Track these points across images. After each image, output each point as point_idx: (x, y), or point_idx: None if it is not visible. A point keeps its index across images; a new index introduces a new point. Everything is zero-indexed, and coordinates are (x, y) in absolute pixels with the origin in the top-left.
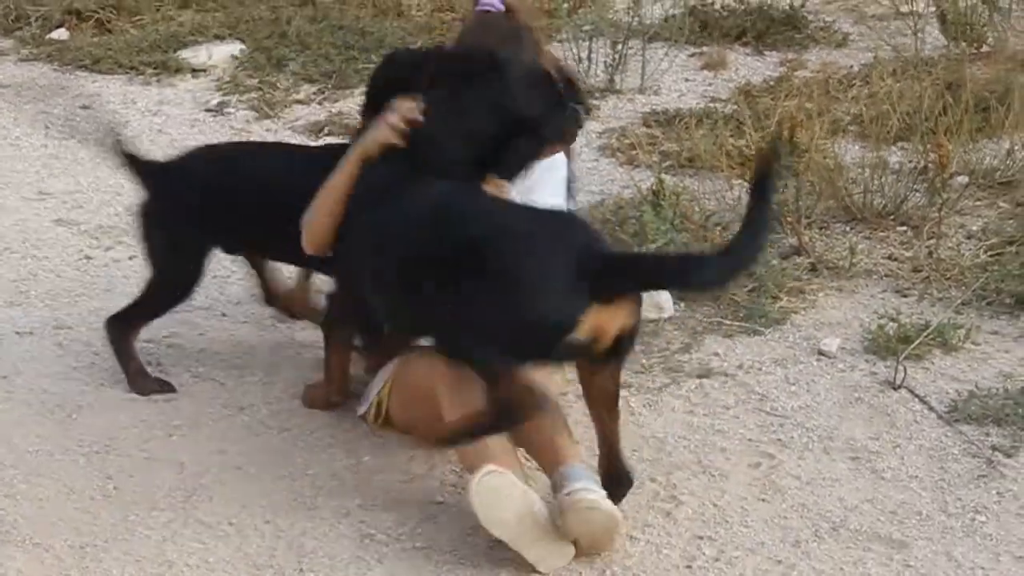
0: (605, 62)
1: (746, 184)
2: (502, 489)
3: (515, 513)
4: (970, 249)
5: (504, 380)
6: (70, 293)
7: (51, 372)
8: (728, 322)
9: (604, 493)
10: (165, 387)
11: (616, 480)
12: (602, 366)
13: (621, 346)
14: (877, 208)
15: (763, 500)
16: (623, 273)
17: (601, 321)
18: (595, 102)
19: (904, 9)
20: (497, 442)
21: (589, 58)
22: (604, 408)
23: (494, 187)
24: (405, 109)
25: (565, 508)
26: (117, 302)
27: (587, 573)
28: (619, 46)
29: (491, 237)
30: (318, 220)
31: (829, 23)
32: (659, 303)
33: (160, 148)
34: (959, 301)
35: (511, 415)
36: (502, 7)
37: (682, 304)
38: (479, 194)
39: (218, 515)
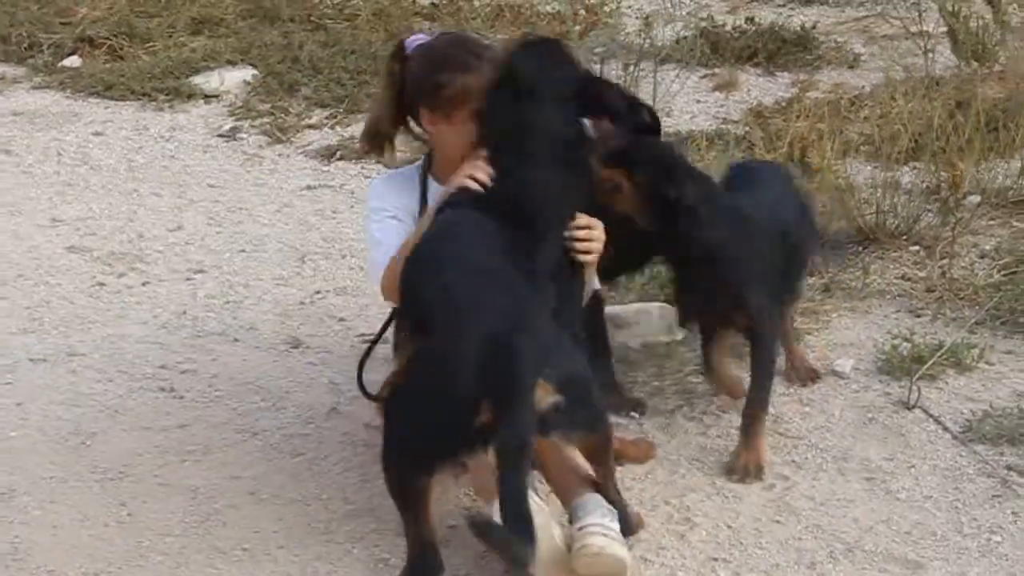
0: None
1: None
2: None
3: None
4: (983, 269)
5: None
6: (83, 320)
7: (64, 399)
8: (741, 344)
9: (616, 528)
10: None
11: None
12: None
13: (552, 423)
14: (890, 228)
15: (777, 522)
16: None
17: None
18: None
19: (914, 29)
20: None
21: None
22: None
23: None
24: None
25: (574, 548)
26: (130, 329)
27: None
28: (631, 68)
29: (432, 303)
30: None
31: (840, 44)
32: (671, 325)
33: (173, 174)
34: (973, 321)
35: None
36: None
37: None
38: (454, 242)
39: (232, 540)
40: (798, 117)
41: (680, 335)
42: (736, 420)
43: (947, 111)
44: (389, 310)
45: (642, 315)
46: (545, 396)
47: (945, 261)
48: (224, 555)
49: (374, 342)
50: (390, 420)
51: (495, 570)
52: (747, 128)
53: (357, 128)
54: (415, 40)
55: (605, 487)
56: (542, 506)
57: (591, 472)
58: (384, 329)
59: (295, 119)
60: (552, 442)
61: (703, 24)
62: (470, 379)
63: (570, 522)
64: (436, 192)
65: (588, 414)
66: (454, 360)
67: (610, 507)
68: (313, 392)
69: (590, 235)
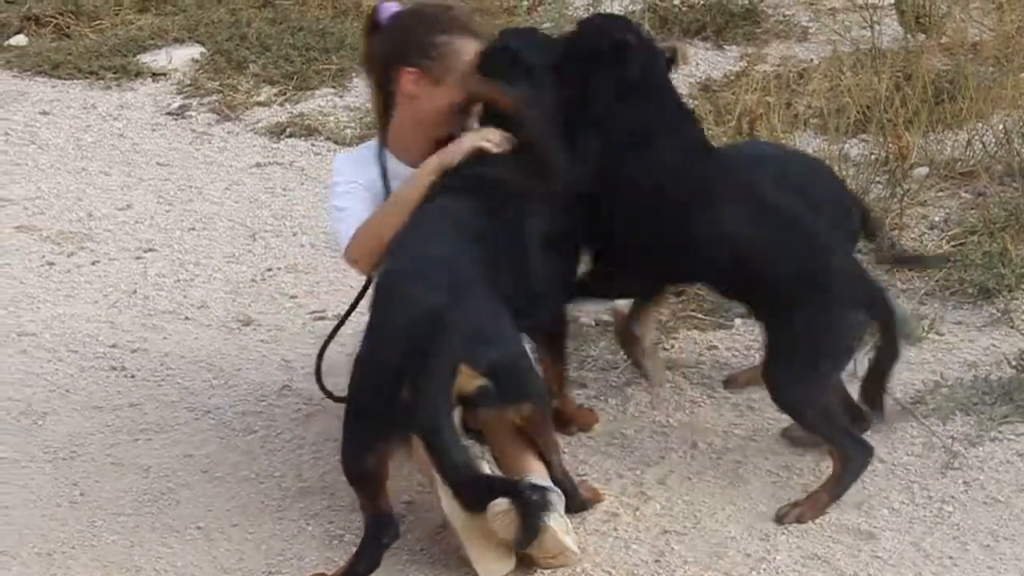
0: None
1: None
2: None
3: None
4: (933, 240)
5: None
6: (33, 299)
7: (14, 379)
8: (695, 316)
9: (559, 504)
10: None
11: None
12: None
13: (469, 402)
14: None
15: (732, 494)
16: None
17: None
18: None
19: (861, 2)
20: None
21: None
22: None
23: None
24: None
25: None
26: (80, 308)
27: (557, 570)
28: None
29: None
30: (381, 231)
31: (788, 17)
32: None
33: (121, 153)
34: (923, 292)
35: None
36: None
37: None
38: (411, 230)
39: (185, 519)
40: (747, 91)
41: None
42: (689, 393)
43: (894, 83)
44: (347, 299)
45: None
46: (471, 381)
47: (895, 233)
48: (178, 534)
49: (330, 336)
50: (347, 402)
51: (449, 544)
52: (696, 102)
53: (306, 105)
54: (387, 8)
55: (549, 463)
56: (483, 466)
57: (538, 462)
58: (342, 322)
59: (244, 96)
60: (502, 427)
61: None
62: (394, 355)
63: None
64: (396, 167)
65: (519, 390)
66: (381, 337)
67: (555, 488)
68: (265, 370)
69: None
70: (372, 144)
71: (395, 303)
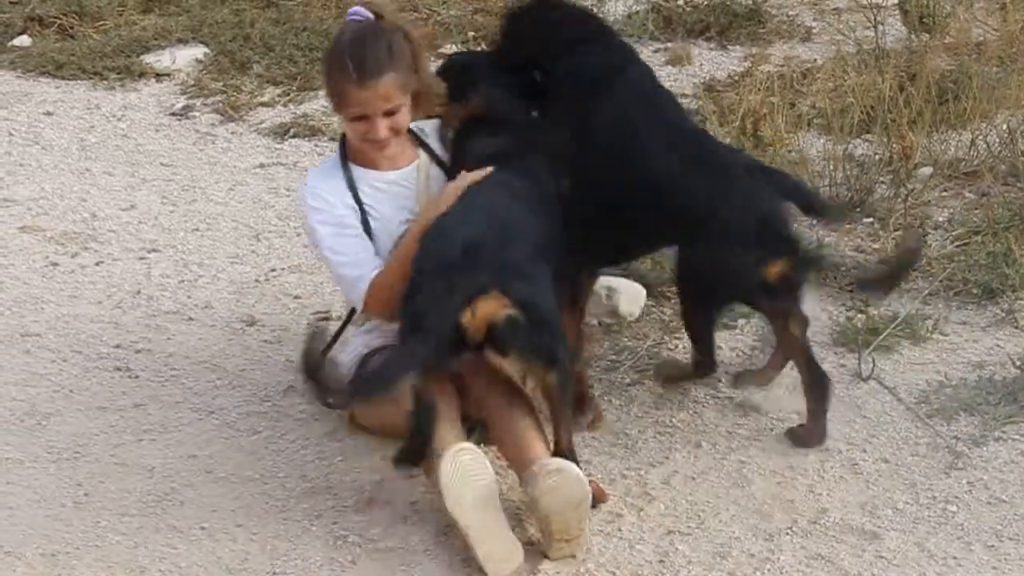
0: None
1: None
2: (472, 470)
3: (477, 498)
4: (937, 240)
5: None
6: (37, 300)
7: (18, 380)
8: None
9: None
10: None
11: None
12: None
13: (497, 336)
14: (843, 201)
15: (736, 495)
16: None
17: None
18: None
19: (865, 2)
20: (451, 432)
21: None
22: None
23: None
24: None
25: (531, 478)
26: (84, 309)
27: (562, 569)
28: None
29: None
30: (395, 284)
31: (791, 17)
32: (625, 303)
33: (125, 154)
34: (927, 292)
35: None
36: (371, 15)
37: (652, 300)
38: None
39: (189, 519)
40: (751, 91)
41: (631, 317)
42: (693, 393)
43: (898, 83)
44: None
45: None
46: (501, 308)
47: (899, 233)
48: (182, 534)
49: (329, 344)
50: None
51: (453, 545)
52: (700, 102)
53: (310, 105)
54: (353, 13)
55: (558, 440)
56: (489, 471)
57: (544, 444)
58: (336, 336)
59: (247, 97)
60: (506, 414)
61: None
62: (435, 287)
63: (524, 487)
64: (361, 173)
65: (548, 344)
66: (422, 274)
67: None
68: (269, 370)
69: None
70: (335, 155)
71: (438, 242)
